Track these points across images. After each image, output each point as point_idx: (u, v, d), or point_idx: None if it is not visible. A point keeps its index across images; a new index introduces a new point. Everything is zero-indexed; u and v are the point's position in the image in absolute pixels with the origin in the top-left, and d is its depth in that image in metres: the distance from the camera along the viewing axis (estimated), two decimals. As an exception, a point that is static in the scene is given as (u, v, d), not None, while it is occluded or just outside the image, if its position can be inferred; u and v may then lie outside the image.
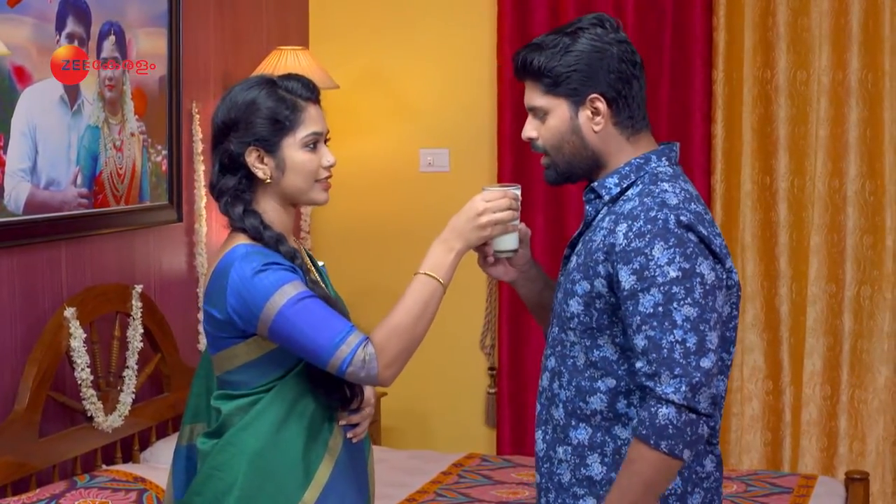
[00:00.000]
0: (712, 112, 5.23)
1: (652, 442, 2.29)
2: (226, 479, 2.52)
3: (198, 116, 4.75)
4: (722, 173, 5.24)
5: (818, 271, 5.16)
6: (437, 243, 2.49)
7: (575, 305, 2.45)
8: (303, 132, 2.55)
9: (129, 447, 4.27)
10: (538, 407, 2.58)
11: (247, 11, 5.19)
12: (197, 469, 2.61)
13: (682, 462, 2.32)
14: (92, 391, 3.93)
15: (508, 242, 2.55)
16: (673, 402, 2.28)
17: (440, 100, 5.60)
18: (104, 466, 4.04)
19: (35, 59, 3.85)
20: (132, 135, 4.38)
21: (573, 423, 2.46)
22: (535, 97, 2.49)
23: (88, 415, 3.95)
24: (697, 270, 2.32)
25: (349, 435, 2.60)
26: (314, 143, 2.57)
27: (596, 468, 2.44)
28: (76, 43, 4.04)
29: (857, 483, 4.28)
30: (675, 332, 2.30)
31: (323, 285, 2.61)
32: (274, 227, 2.56)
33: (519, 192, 2.50)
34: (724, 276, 2.41)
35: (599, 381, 2.43)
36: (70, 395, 3.97)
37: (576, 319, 2.45)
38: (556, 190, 5.35)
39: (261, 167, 2.56)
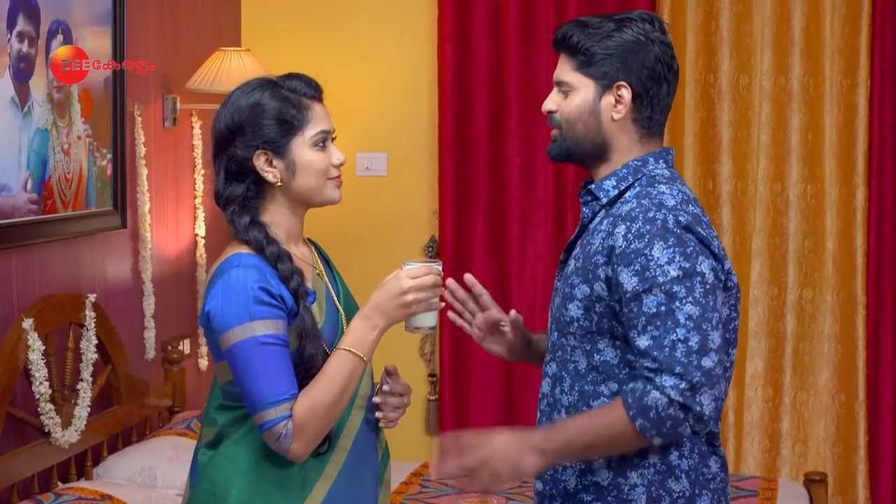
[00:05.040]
0: (655, 116, 5.23)
1: (631, 414, 2.29)
2: (219, 494, 2.45)
3: (139, 119, 4.59)
4: (665, 177, 5.24)
5: (760, 274, 5.21)
6: (359, 318, 2.42)
7: (574, 309, 2.43)
8: (311, 131, 2.50)
9: (81, 463, 4.09)
10: (538, 413, 2.55)
11: (185, 12, 5.02)
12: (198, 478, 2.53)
13: (646, 444, 2.31)
14: (50, 405, 3.76)
15: (429, 319, 2.47)
16: (668, 396, 2.26)
17: (378, 102, 5.49)
18: (60, 484, 3.87)
19: (-13, 59, 3.68)
20: (79, 138, 4.20)
21: None
22: (564, 72, 2.50)
23: (46, 430, 3.77)
24: (698, 269, 2.32)
25: (378, 415, 2.52)
26: (323, 141, 2.51)
27: (603, 474, 2.42)
28: (26, 42, 3.86)
29: (817, 484, 4.32)
30: (677, 330, 2.29)
31: (319, 315, 2.50)
32: (279, 240, 2.48)
33: (441, 268, 2.43)
34: (724, 277, 2.42)
35: (602, 385, 2.41)
36: (23, 409, 3.79)
37: (575, 324, 2.43)
38: (510, 193, 5.31)
39: (270, 170, 2.49)
